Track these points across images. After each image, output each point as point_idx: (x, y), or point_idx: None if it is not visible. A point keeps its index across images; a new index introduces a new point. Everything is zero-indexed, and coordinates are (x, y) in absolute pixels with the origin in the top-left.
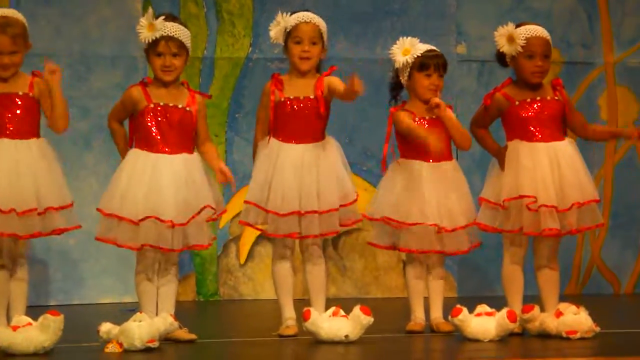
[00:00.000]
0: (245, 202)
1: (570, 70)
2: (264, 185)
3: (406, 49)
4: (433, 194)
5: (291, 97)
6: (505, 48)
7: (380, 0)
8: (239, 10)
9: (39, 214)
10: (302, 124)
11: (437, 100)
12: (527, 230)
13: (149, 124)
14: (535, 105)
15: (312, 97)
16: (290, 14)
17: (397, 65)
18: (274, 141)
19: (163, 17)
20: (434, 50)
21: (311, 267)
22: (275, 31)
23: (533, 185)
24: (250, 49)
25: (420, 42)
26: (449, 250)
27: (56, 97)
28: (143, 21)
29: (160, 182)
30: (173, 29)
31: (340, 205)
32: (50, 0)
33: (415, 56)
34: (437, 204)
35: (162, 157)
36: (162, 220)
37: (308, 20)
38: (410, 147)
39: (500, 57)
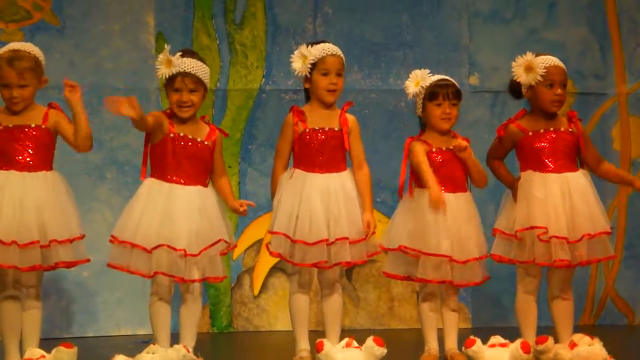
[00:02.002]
0: (274, 233)
1: (583, 101)
2: (291, 216)
3: (417, 81)
4: (446, 225)
5: (316, 127)
6: (523, 78)
7: (393, 32)
8: (251, 42)
9: (42, 246)
10: (326, 154)
11: (464, 143)
12: (539, 261)
13: (167, 153)
14: (549, 136)
15: (336, 129)
16: (312, 45)
17: (409, 97)
18: (297, 171)
19: (180, 53)
20: (444, 79)
21: (330, 298)
22: (299, 63)
23: (545, 216)
24: (263, 80)
25: (434, 73)
26: (461, 282)
27: (79, 114)
28: (161, 57)
29: (174, 212)
30: (190, 64)
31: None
32: (64, 32)
33: (425, 86)
34: (449, 235)
35: (176, 187)
36: (174, 249)
37: (335, 53)
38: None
39: (514, 88)
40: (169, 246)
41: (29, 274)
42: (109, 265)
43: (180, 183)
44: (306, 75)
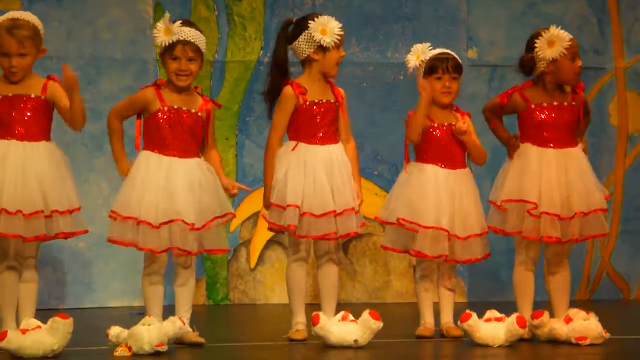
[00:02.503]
0: (289, 205)
1: (581, 75)
2: (298, 190)
3: (418, 55)
4: (446, 200)
5: (315, 100)
6: (547, 52)
7: (392, 5)
8: (250, 14)
9: (46, 217)
10: (325, 126)
11: (464, 127)
12: (526, 235)
13: (162, 126)
14: (551, 110)
15: (332, 101)
16: (318, 16)
17: (409, 70)
18: (300, 145)
19: (180, 21)
20: (444, 53)
21: (327, 271)
22: (325, 35)
23: (536, 190)
24: (262, 52)
25: (432, 46)
26: (461, 257)
27: (76, 102)
28: (160, 25)
29: (176, 185)
30: (190, 33)
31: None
32: (61, 2)
33: (425, 60)
34: (449, 211)
35: (175, 161)
36: (186, 223)
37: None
38: (425, 150)
39: (527, 64)
40: (182, 221)
41: (29, 245)
42: (109, 240)
43: (178, 156)
44: (321, 46)
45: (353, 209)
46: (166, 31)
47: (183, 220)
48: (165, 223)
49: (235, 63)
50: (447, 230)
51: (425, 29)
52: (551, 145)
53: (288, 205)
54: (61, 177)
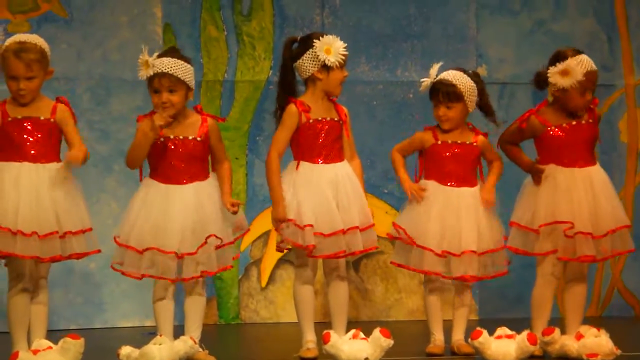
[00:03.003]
0: (307, 225)
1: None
2: (311, 208)
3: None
4: (440, 219)
5: (319, 118)
6: (558, 80)
7: (401, 23)
8: (259, 34)
9: (60, 237)
10: (330, 144)
11: (489, 202)
12: (561, 256)
13: (160, 155)
14: (571, 131)
15: (335, 119)
16: (322, 36)
17: (421, 90)
18: (304, 164)
19: (157, 53)
20: (441, 80)
21: (336, 288)
22: (329, 54)
23: (570, 211)
24: (271, 72)
25: (442, 65)
26: (456, 274)
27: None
28: (140, 58)
29: (169, 213)
30: (167, 64)
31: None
32: (71, 24)
33: (430, 84)
34: (442, 229)
35: (172, 188)
36: (163, 252)
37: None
38: (430, 168)
39: (540, 81)
40: (157, 249)
41: (42, 266)
42: (112, 266)
43: (176, 183)
44: (325, 65)
45: (358, 227)
46: (145, 65)
47: (159, 249)
48: (146, 250)
49: (244, 83)
50: (431, 250)
51: (435, 47)
52: (574, 164)
53: (305, 226)
54: (73, 197)
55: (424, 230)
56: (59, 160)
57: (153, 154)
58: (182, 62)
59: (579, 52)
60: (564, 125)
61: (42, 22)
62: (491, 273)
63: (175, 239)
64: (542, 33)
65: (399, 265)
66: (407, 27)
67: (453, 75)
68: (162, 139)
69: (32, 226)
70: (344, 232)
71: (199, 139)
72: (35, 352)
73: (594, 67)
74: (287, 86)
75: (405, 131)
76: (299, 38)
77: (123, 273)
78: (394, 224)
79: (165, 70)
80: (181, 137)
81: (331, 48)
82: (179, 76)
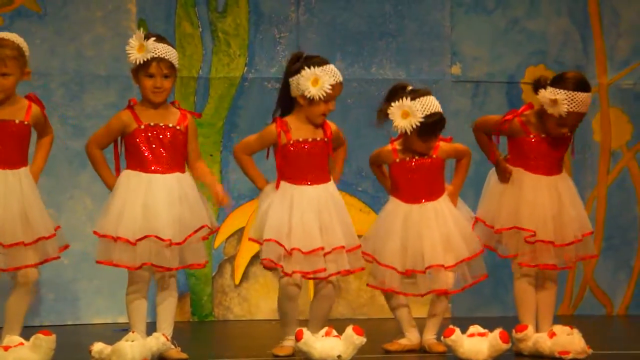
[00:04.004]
0: (266, 240)
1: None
2: (282, 225)
3: (405, 112)
4: (400, 237)
5: (300, 139)
6: (547, 105)
7: (376, 21)
8: (234, 30)
9: (27, 244)
10: (312, 165)
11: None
12: (521, 261)
13: (141, 144)
14: (548, 143)
15: (319, 138)
16: (316, 66)
17: (395, 129)
18: (284, 184)
19: (154, 38)
20: (434, 115)
21: (322, 300)
22: (314, 87)
23: (532, 218)
24: (246, 68)
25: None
26: (423, 291)
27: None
28: (133, 42)
29: (155, 201)
30: (164, 50)
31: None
32: (44, 18)
33: (415, 125)
34: (403, 247)
35: (154, 177)
36: (161, 239)
37: (341, 81)
38: (393, 186)
39: (537, 86)
40: (156, 236)
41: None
42: (98, 262)
43: (158, 172)
44: (304, 95)
45: (343, 247)
46: (140, 48)
47: (157, 236)
48: (141, 239)
49: (219, 79)
50: (393, 267)
51: (410, 45)
52: (543, 172)
53: (267, 240)
54: (39, 201)
55: (385, 249)
56: (26, 165)
57: (133, 144)
58: (173, 49)
59: (582, 89)
60: (543, 136)
61: (15, 17)
62: (469, 281)
63: (167, 226)
64: (516, 31)
65: (372, 287)
66: (382, 25)
67: (437, 105)
68: (142, 127)
69: None
70: (325, 252)
71: (178, 127)
72: (6, 348)
73: (583, 110)
74: (285, 101)
75: (380, 129)
76: (303, 56)
77: (116, 265)
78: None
79: (164, 56)
80: (162, 124)
81: (319, 80)
82: (173, 62)
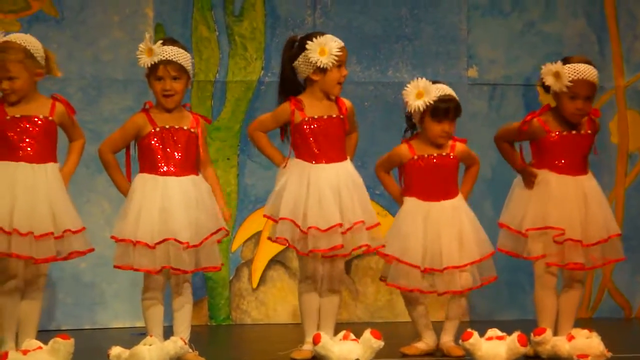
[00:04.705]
0: (281, 219)
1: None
2: (298, 203)
3: (419, 92)
4: (421, 236)
5: (315, 116)
6: (551, 83)
7: (392, 24)
8: (250, 34)
9: (56, 237)
10: (328, 143)
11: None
12: (550, 261)
13: (155, 147)
14: (570, 140)
15: (335, 115)
16: (317, 36)
17: (409, 108)
18: (299, 162)
19: (161, 41)
20: (448, 95)
21: (330, 296)
22: (323, 56)
23: (561, 217)
24: (262, 72)
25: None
26: (440, 290)
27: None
28: (142, 46)
29: (172, 204)
30: (172, 52)
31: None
32: (62, 23)
33: (428, 103)
34: (423, 246)
35: (170, 180)
36: (180, 242)
37: (343, 45)
38: (409, 184)
39: (545, 86)
40: (175, 239)
41: (41, 265)
42: (115, 266)
43: (173, 174)
44: (319, 67)
45: (363, 222)
46: (148, 52)
47: (176, 239)
48: (160, 242)
49: (236, 83)
50: (417, 266)
51: (426, 49)
52: (568, 172)
53: (282, 219)
54: (68, 197)
55: (407, 249)
56: (55, 161)
57: (147, 147)
58: (184, 51)
59: (587, 62)
60: (564, 133)
61: (33, 22)
62: (478, 282)
63: (185, 229)
64: (532, 34)
65: (392, 285)
66: (399, 28)
67: (450, 90)
68: (157, 129)
69: (28, 226)
70: (345, 230)
71: (192, 130)
72: (25, 352)
73: (589, 77)
74: (287, 86)
75: (396, 132)
76: (298, 38)
77: (136, 270)
78: (378, 253)
79: (171, 58)
80: (176, 126)
81: (325, 48)
82: (182, 64)
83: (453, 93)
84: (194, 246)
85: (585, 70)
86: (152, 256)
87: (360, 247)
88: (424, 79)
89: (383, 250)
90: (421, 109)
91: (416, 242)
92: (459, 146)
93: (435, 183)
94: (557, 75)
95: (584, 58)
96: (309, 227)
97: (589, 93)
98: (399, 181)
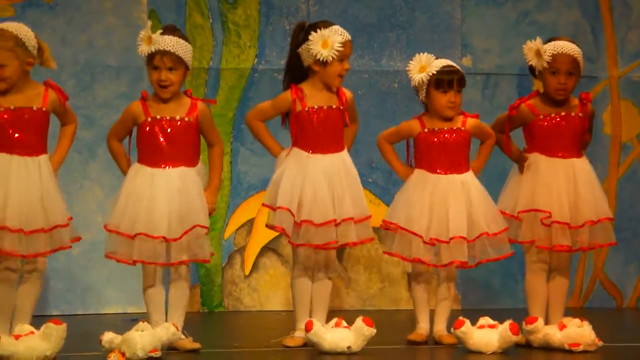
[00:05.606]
0: (278, 207)
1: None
2: (294, 194)
3: (422, 66)
4: (428, 207)
5: (315, 107)
6: (534, 61)
7: (386, 12)
8: (244, 22)
9: (45, 231)
10: (326, 134)
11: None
12: (539, 244)
13: (146, 137)
14: (559, 121)
15: (335, 106)
16: (322, 27)
17: (413, 83)
18: (298, 151)
19: (161, 30)
20: (451, 66)
21: (321, 281)
22: (325, 48)
23: (548, 200)
24: (256, 59)
25: (429, 54)
26: (445, 261)
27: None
28: (142, 34)
29: (155, 197)
30: (170, 42)
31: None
32: (55, 8)
33: (431, 73)
34: (429, 217)
35: (158, 172)
36: (152, 237)
37: (349, 39)
38: (418, 156)
39: (531, 69)
40: (145, 234)
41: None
42: (105, 255)
43: (162, 166)
44: (319, 59)
45: (352, 218)
46: (147, 40)
47: (147, 234)
48: (137, 235)
49: (229, 70)
50: (420, 236)
51: (420, 37)
52: (559, 155)
53: (279, 207)
54: (57, 189)
55: (412, 218)
56: (46, 152)
57: (140, 137)
58: (184, 41)
59: (568, 40)
60: (553, 115)
61: (27, 7)
62: (491, 256)
63: (162, 223)
64: (527, 24)
65: (390, 254)
66: (393, 16)
67: (453, 63)
68: (149, 119)
69: (19, 222)
70: (336, 223)
71: (187, 119)
72: (17, 337)
73: (569, 51)
74: (293, 72)
75: (389, 120)
76: (307, 25)
77: (117, 260)
78: (384, 222)
79: (168, 49)
80: (168, 117)
81: (328, 41)
82: (179, 55)
83: (456, 65)
84: (174, 239)
85: (565, 45)
86: (130, 247)
87: (347, 243)
88: (426, 53)
89: (387, 219)
90: (424, 80)
91: (422, 212)
92: (471, 121)
93: (445, 156)
94: (537, 53)
95: (566, 37)
96: (303, 221)
97: (570, 67)
98: (405, 159)
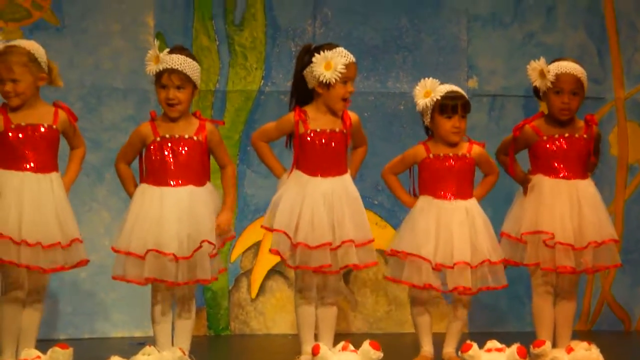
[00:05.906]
0: (275, 230)
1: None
2: (292, 216)
3: (427, 91)
4: (434, 233)
5: (318, 130)
6: (538, 82)
7: (392, 34)
8: (251, 44)
9: (62, 247)
10: (328, 157)
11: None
12: (543, 266)
13: (155, 157)
14: (563, 142)
15: (338, 130)
16: (325, 49)
17: (418, 108)
18: (299, 173)
19: (169, 49)
20: (455, 92)
21: (327, 306)
22: (328, 70)
23: (551, 221)
24: (262, 81)
25: (433, 76)
26: (450, 287)
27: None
28: (150, 53)
29: (164, 215)
30: (177, 61)
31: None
32: (62, 32)
33: (436, 99)
34: (435, 243)
35: (166, 190)
36: (163, 253)
37: (354, 61)
38: (423, 183)
39: (535, 90)
40: (156, 250)
41: (43, 276)
42: (112, 277)
43: (171, 185)
44: (322, 81)
45: (352, 241)
46: (155, 59)
47: (158, 250)
48: (146, 253)
49: (236, 93)
50: (429, 260)
51: (426, 59)
52: (562, 175)
53: (275, 230)
54: (69, 206)
55: (419, 244)
56: (57, 170)
57: (148, 157)
58: (191, 60)
59: (572, 61)
60: (556, 136)
61: (34, 30)
62: (490, 284)
63: (172, 241)
64: (533, 45)
65: (394, 280)
66: (399, 38)
67: (458, 88)
68: (158, 139)
69: (36, 236)
70: (334, 247)
71: (195, 138)
72: None
73: (572, 71)
74: (298, 93)
75: (395, 143)
76: (312, 47)
77: (127, 281)
78: (391, 250)
79: (175, 67)
80: (177, 135)
81: (331, 63)
82: (187, 74)
83: (461, 90)
84: (184, 258)
85: (568, 65)
86: (141, 267)
87: (347, 266)
88: (431, 78)
89: (394, 247)
90: (428, 105)
91: (428, 238)
92: (477, 149)
93: (449, 182)
94: (541, 73)
95: (570, 58)
96: (298, 243)
97: (574, 87)
98: (409, 187)
